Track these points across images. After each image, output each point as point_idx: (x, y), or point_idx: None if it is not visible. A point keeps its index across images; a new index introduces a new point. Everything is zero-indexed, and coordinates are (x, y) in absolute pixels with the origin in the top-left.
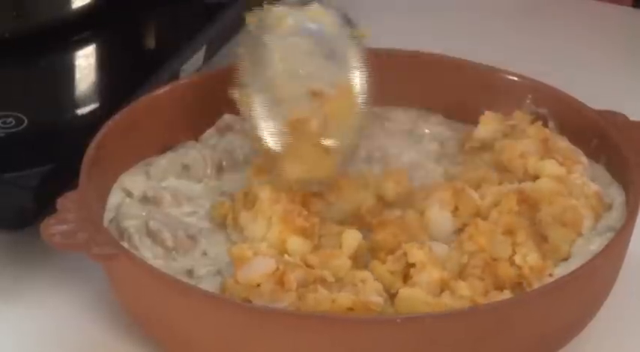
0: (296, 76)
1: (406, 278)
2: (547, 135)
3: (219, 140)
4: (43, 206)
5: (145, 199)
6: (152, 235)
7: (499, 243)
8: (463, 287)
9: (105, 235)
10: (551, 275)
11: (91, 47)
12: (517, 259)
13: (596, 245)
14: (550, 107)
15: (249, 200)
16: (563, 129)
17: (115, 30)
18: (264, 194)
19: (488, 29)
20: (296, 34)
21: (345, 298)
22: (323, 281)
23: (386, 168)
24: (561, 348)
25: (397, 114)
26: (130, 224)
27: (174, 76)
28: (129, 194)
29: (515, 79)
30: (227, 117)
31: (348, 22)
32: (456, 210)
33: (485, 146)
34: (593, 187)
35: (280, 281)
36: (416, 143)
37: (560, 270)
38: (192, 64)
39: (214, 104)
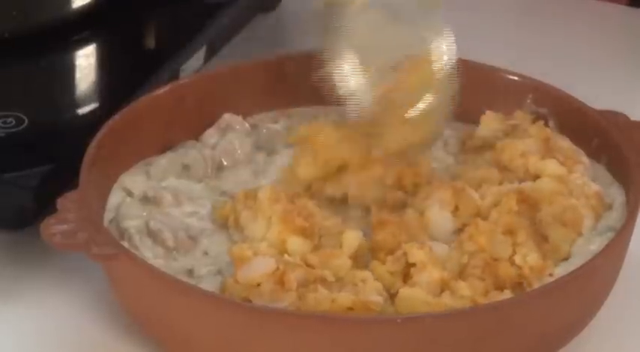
0: (375, 51)
1: (406, 278)
2: (548, 135)
3: (219, 140)
4: (43, 206)
5: (146, 199)
6: (152, 235)
7: (499, 243)
8: (463, 287)
9: (105, 235)
10: (551, 275)
11: (91, 47)
12: (517, 259)
13: (596, 245)
14: (551, 107)
15: (250, 200)
16: (564, 129)
17: (115, 30)
18: (264, 194)
19: (489, 29)
20: (367, 9)
21: (345, 298)
22: (323, 281)
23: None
24: (561, 348)
25: None
26: (131, 224)
27: (175, 76)
28: (129, 194)
29: (516, 78)
30: (227, 117)
31: None
32: (456, 210)
33: (486, 145)
34: (594, 187)
35: (280, 281)
36: None
37: (561, 270)
38: (192, 64)
39: (214, 104)
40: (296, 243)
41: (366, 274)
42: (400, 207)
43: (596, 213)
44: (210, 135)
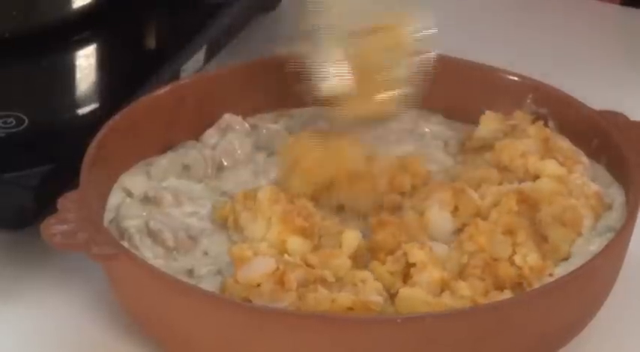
0: (351, 15)
1: (406, 278)
2: (548, 135)
3: (220, 140)
4: (43, 206)
5: (146, 199)
6: (153, 235)
7: (499, 243)
8: (463, 287)
9: (105, 235)
10: (551, 275)
11: (91, 47)
12: (517, 259)
13: (596, 245)
14: (550, 107)
15: (249, 200)
16: (564, 129)
17: (116, 30)
18: (263, 194)
19: (489, 29)
20: None
21: (345, 298)
22: (323, 281)
23: (400, 157)
24: (561, 348)
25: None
26: (131, 224)
27: (175, 76)
28: (129, 194)
29: (516, 78)
30: (227, 117)
31: None
32: (455, 210)
33: (486, 146)
34: (593, 187)
35: (280, 281)
36: (417, 141)
37: (560, 270)
38: (193, 64)
39: (214, 104)
40: (296, 243)
41: (365, 274)
42: (397, 208)
43: (595, 213)
44: (211, 135)
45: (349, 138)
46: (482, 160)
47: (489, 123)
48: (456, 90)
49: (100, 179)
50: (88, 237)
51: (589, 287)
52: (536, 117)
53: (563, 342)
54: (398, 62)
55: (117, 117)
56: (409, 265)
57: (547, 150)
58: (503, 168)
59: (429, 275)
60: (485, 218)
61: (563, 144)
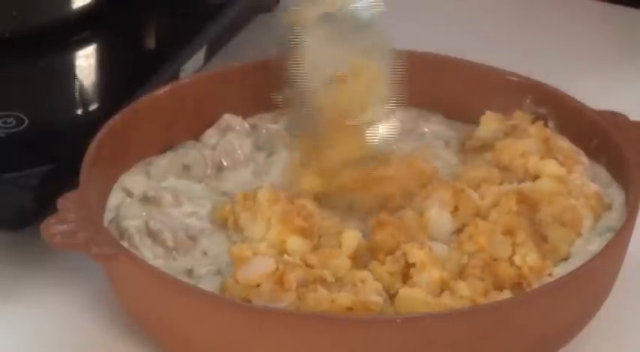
0: (321, 64)
1: (406, 278)
2: (548, 135)
3: (219, 140)
4: (43, 206)
5: (146, 199)
6: (152, 235)
7: (499, 243)
8: (463, 287)
9: (105, 235)
10: (550, 275)
11: (91, 47)
12: (517, 259)
13: (595, 245)
14: (550, 107)
15: (249, 201)
16: (563, 130)
17: (115, 30)
18: (263, 195)
19: (489, 29)
20: (320, 24)
21: (344, 298)
22: (323, 281)
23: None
24: (561, 348)
25: (397, 114)
26: (131, 224)
27: (175, 76)
28: (129, 194)
29: (515, 79)
30: (227, 117)
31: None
32: (455, 210)
33: (486, 146)
34: (593, 187)
35: (280, 281)
36: (418, 141)
37: (560, 270)
38: (192, 64)
39: (214, 104)
40: (295, 243)
41: (365, 274)
42: (400, 208)
43: (595, 213)
44: (210, 135)
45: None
46: (482, 160)
47: (489, 123)
48: (456, 90)
49: (100, 179)
50: (88, 237)
51: (589, 287)
52: (536, 117)
53: (563, 342)
54: (372, 101)
55: (117, 117)
56: (409, 265)
57: (547, 150)
58: (504, 168)
59: (429, 275)
60: (485, 218)
61: (563, 144)
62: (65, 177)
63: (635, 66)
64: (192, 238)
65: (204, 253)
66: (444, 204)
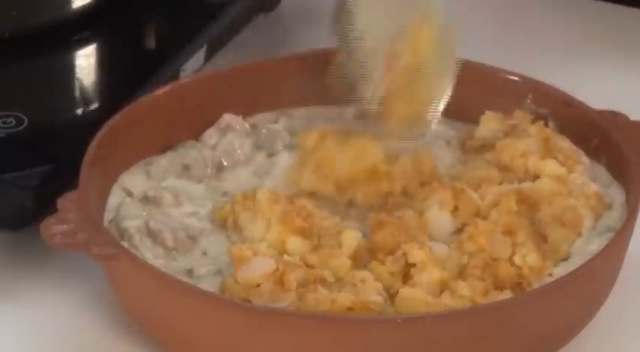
0: (382, 18)
1: (406, 278)
2: (548, 135)
3: (220, 140)
4: (43, 206)
5: (146, 199)
6: (152, 235)
7: (499, 243)
8: (463, 288)
9: (105, 235)
10: (550, 275)
11: (91, 47)
12: (517, 259)
13: (595, 245)
14: (550, 107)
15: (248, 201)
16: (564, 130)
17: (115, 30)
18: (263, 195)
19: (489, 29)
20: None
21: (344, 298)
22: (323, 281)
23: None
24: (561, 348)
25: None
26: (131, 224)
27: (175, 76)
28: (129, 194)
29: (516, 78)
30: (227, 117)
31: None
32: (455, 210)
33: (486, 145)
34: (593, 187)
35: (280, 281)
36: (418, 141)
37: (560, 270)
38: (192, 64)
39: (214, 104)
40: (295, 243)
41: (365, 274)
42: (399, 207)
43: (595, 213)
44: (210, 135)
45: (369, 136)
46: (482, 160)
47: (489, 123)
48: (456, 90)
49: (100, 179)
50: (88, 237)
51: (589, 287)
52: (536, 117)
53: (563, 342)
54: (441, 61)
55: (117, 117)
56: (409, 265)
57: (547, 150)
58: (504, 168)
59: (429, 275)
60: (485, 218)
61: (564, 144)
62: (65, 177)
63: (635, 66)
64: (192, 238)
65: (204, 253)
66: (444, 204)
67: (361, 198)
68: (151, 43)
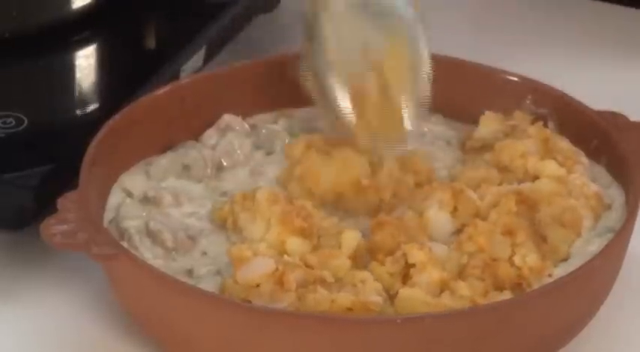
0: (350, 47)
1: (405, 278)
2: (548, 136)
3: (219, 140)
4: (43, 206)
5: (145, 199)
6: (152, 235)
7: (498, 244)
8: (463, 288)
9: (105, 235)
10: (550, 275)
11: (91, 47)
12: (516, 259)
13: (595, 246)
14: (550, 107)
15: (248, 201)
16: (563, 130)
17: (115, 30)
18: (262, 195)
19: (488, 29)
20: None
21: (344, 298)
22: (322, 281)
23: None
24: (561, 348)
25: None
26: (130, 224)
27: (175, 76)
28: (129, 194)
29: (515, 79)
30: (227, 117)
31: None
32: (455, 210)
33: (486, 146)
34: (593, 188)
35: (280, 282)
36: (418, 141)
37: (560, 271)
38: (192, 64)
39: (214, 104)
40: (295, 244)
41: (365, 274)
42: (392, 209)
43: (595, 213)
44: (210, 135)
45: (354, 146)
46: (482, 160)
47: (489, 124)
48: (456, 90)
49: (100, 179)
50: (88, 237)
51: (588, 287)
52: (536, 118)
53: (563, 343)
54: (409, 80)
55: (117, 117)
56: (408, 265)
57: (547, 151)
58: (503, 169)
59: (429, 275)
60: (484, 218)
61: (563, 144)
62: (65, 177)
63: (635, 66)
64: (192, 238)
65: (204, 253)
66: (443, 204)
67: (351, 208)
68: (151, 43)
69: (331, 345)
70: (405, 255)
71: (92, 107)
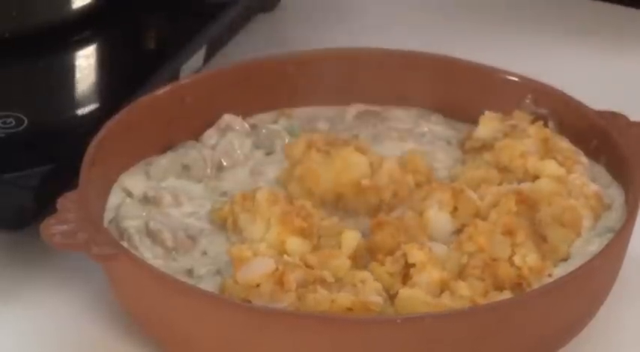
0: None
1: (405, 278)
2: (548, 135)
3: (219, 140)
4: (43, 206)
5: (145, 199)
6: (152, 235)
7: (498, 244)
8: (463, 288)
9: (105, 235)
10: (550, 275)
11: (91, 47)
12: (516, 259)
13: (595, 245)
14: (550, 107)
15: (248, 202)
16: (563, 130)
17: (115, 30)
18: (262, 195)
19: (489, 29)
20: None
21: (344, 298)
22: (322, 281)
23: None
24: (561, 348)
25: (397, 113)
26: (130, 224)
27: (174, 76)
28: (129, 194)
29: (515, 79)
30: (227, 117)
31: None
32: (455, 210)
33: (486, 146)
34: (593, 187)
35: (280, 282)
36: (418, 140)
37: (560, 271)
38: (192, 64)
39: (214, 104)
40: (295, 244)
41: (365, 274)
42: (392, 209)
43: (595, 213)
44: (210, 135)
45: (354, 146)
46: (481, 160)
47: (489, 124)
48: (456, 90)
49: (100, 179)
50: (87, 237)
51: (588, 287)
52: (536, 118)
53: (563, 343)
54: None
55: (117, 117)
56: (408, 265)
57: (547, 151)
58: (503, 169)
59: (429, 275)
60: (484, 218)
61: (563, 144)
62: (65, 177)
63: (635, 66)
64: (192, 238)
65: (204, 253)
66: (443, 204)
67: (351, 208)
68: (150, 43)
69: (331, 345)
70: (404, 254)
71: (92, 107)
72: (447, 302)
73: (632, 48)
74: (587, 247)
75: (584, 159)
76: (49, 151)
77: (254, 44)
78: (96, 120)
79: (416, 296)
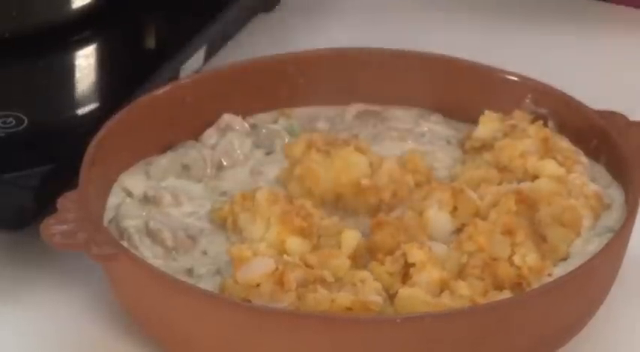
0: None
1: (405, 278)
2: (547, 135)
3: (219, 140)
4: (43, 206)
5: (145, 199)
6: (152, 235)
7: (498, 243)
8: (463, 287)
9: (105, 235)
10: (550, 275)
11: (91, 47)
12: (516, 259)
13: (595, 245)
14: (550, 107)
15: (247, 201)
16: (563, 130)
17: (115, 30)
18: (262, 195)
19: (489, 29)
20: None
21: (344, 298)
22: (322, 281)
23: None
24: (560, 348)
25: (397, 113)
26: (130, 224)
27: (174, 76)
28: (129, 194)
29: (515, 78)
30: (227, 117)
31: None
32: (454, 210)
33: (486, 145)
34: (593, 187)
35: (280, 281)
36: (418, 140)
37: (559, 270)
38: (192, 64)
39: (214, 104)
40: (295, 243)
41: (365, 274)
42: (392, 209)
43: (595, 213)
44: (210, 135)
45: (353, 145)
46: (481, 160)
47: (489, 123)
48: (456, 90)
49: (100, 179)
50: (87, 237)
51: (588, 287)
52: (536, 117)
53: (562, 342)
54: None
55: (117, 117)
56: (408, 265)
57: (546, 150)
58: (503, 168)
59: (429, 275)
60: (484, 218)
61: (563, 144)
62: (65, 177)
63: (635, 66)
64: (192, 238)
65: (204, 253)
66: (443, 204)
67: (351, 208)
68: (150, 43)
69: (331, 345)
70: (404, 254)
71: (92, 107)
72: (446, 301)
73: (633, 48)
74: (586, 247)
75: (584, 158)
76: (49, 151)
77: (254, 44)
78: (96, 120)
79: (416, 296)
